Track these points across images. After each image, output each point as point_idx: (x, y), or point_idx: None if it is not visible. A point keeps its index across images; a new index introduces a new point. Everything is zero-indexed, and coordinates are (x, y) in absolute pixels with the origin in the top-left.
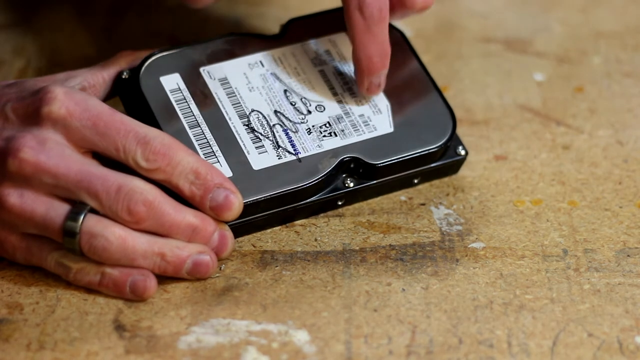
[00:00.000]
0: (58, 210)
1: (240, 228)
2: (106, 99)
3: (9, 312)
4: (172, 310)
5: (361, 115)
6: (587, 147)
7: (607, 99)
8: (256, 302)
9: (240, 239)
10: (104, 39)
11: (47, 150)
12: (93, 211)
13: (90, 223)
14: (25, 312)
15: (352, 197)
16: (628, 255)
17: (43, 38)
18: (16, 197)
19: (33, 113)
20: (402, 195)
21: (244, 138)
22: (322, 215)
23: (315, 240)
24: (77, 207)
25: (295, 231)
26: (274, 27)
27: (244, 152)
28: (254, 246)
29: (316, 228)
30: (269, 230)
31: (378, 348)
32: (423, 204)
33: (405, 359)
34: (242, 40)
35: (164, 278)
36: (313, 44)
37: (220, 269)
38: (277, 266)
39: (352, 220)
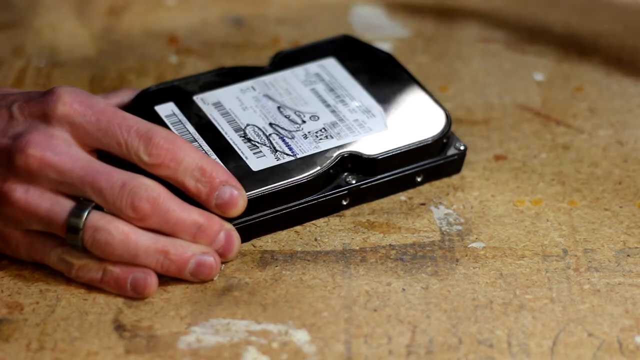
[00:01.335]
0: (63, 206)
1: (247, 229)
2: None
3: (9, 312)
4: (172, 310)
5: (355, 120)
6: (587, 147)
7: (607, 99)
8: (256, 302)
9: None
10: (104, 39)
11: (53, 147)
12: (99, 208)
13: (94, 218)
14: (25, 312)
15: (357, 197)
16: (628, 255)
17: (43, 38)
18: (22, 192)
19: (40, 112)
20: (402, 195)
21: (241, 147)
22: None
23: (315, 240)
24: (82, 203)
25: (295, 231)
26: (274, 27)
27: (242, 158)
28: (254, 246)
29: (316, 228)
30: None
31: (378, 348)
32: (423, 204)
33: (405, 359)
34: (232, 71)
35: (164, 278)
36: (302, 69)
37: (220, 269)
38: (277, 266)
39: (352, 220)
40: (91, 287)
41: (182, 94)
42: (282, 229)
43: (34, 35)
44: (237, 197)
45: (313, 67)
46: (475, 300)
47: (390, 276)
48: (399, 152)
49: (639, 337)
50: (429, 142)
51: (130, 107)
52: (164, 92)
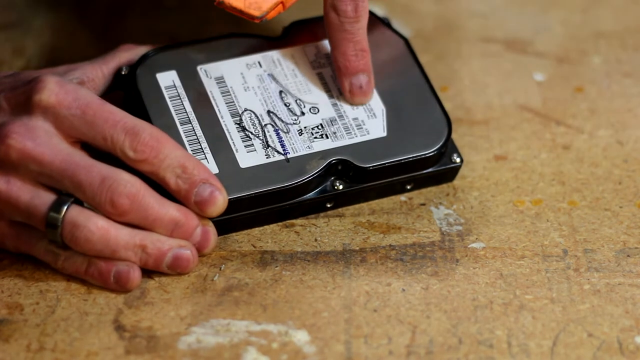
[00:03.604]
0: (43, 199)
1: (225, 225)
2: (105, 93)
3: (9, 312)
4: (172, 310)
5: (355, 119)
6: (587, 147)
7: (607, 99)
8: (256, 302)
9: (240, 239)
10: (104, 39)
11: (34, 138)
12: (80, 202)
13: (73, 213)
14: (25, 313)
15: (342, 201)
16: (628, 255)
17: (43, 38)
18: (2, 183)
19: (24, 102)
20: (402, 195)
21: (234, 136)
22: (322, 215)
23: (315, 240)
24: (61, 198)
25: (295, 231)
26: (274, 28)
27: (232, 150)
28: (254, 246)
29: (316, 228)
30: (269, 230)
31: (378, 348)
32: (423, 204)
33: (405, 359)
34: (242, 40)
35: (165, 279)
36: (313, 46)
37: (220, 269)
38: (277, 266)
39: (352, 220)
40: (91, 287)
41: (186, 61)
42: (262, 225)
43: (34, 35)
44: (217, 196)
45: (325, 45)
46: (475, 301)
47: (390, 276)
48: (392, 164)
49: (639, 337)
50: (426, 155)
51: (133, 70)
52: (169, 57)
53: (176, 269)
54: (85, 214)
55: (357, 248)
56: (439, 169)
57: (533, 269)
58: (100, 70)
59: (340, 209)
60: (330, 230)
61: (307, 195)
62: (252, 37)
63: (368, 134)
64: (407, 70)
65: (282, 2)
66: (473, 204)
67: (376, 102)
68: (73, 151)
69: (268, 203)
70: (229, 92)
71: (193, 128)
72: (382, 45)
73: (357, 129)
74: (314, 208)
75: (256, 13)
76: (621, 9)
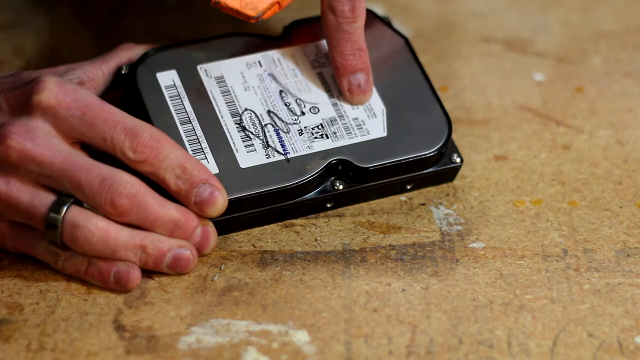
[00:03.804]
0: (43, 199)
1: (225, 225)
2: (105, 92)
3: (9, 312)
4: (172, 310)
5: (355, 119)
6: (587, 147)
7: (607, 99)
8: (256, 302)
9: (240, 239)
10: (104, 39)
11: (34, 139)
12: (79, 203)
13: (73, 214)
14: (25, 313)
15: (342, 201)
16: (628, 255)
17: (43, 38)
18: (2, 184)
19: (24, 102)
20: (402, 195)
21: (234, 136)
22: (322, 215)
23: (315, 240)
24: (61, 199)
25: (295, 231)
26: (274, 28)
27: (232, 150)
28: (254, 246)
29: (316, 228)
30: (269, 230)
31: (378, 348)
32: (423, 204)
33: (405, 359)
34: (242, 40)
35: (165, 279)
36: (314, 46)
37: (220, 269)
38: (277, 266)
39: (352, 220)
40: (91, 287)
41: (187, 60)
42: (262, 225)
43: (34, 35)
44: (217, 196)
45: (326, 44)
46: (475, 301)
47: (390, 276)
48: (392, 164)
49: (639, 337)
50: (426, 156)
51: (133, 69)
52: (169, 56)
53: (176, 269)
54: (85, 214)
55: (357, 248)
56: (439, 169)
57: (533, 268)
58: (100, 70)
59: (340, 209)
60: (330, 230)
61: (307, 195)
62: (253, 36)
63: (368, 134)
64: (408, 70)
65: (278, 2)
66: (473, 204)
67: (376, 102)
68: (73, 152)
69: (268, 203)
70: (229, 91)
71: (193, 128)
72: (382, 45)
73: (357, 128)
74: (314, 208)
75: (252, 13)
76: (621, 9)
